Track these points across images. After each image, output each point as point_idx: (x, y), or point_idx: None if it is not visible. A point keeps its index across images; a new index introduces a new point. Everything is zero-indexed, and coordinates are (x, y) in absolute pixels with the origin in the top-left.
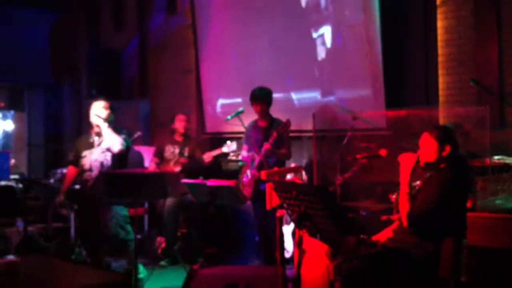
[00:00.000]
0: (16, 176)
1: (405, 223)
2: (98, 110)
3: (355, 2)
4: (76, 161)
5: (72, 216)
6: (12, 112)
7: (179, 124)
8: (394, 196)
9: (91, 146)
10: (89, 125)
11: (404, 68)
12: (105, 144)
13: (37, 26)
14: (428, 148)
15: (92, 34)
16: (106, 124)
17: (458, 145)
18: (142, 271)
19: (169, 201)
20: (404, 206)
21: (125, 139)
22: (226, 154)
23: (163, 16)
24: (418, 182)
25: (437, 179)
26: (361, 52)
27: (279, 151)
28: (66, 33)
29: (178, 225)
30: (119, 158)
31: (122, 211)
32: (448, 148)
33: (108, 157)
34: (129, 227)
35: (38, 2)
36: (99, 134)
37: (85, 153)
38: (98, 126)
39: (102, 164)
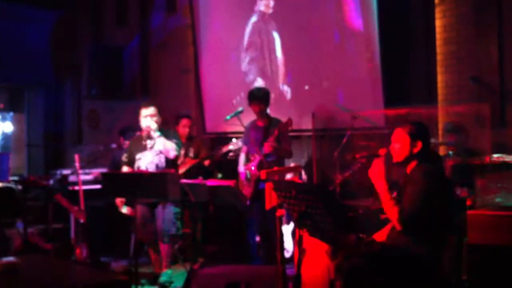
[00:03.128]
0: (16, 177)
1: (399, 228)
2: (147, 121)
3: (354, 0)
4: (130, 162)
5: (72, 216)
6: (11, 113)
7: (183, 130)
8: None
9: (144, 148)
10: (138, 129)
11: (403, 67)
12: (157, 147)
13: (38, 24)
14: (400, 143)
15: (93, 32)
16: (157, 133)
17: (430, 142)
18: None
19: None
20: (393, 213)
21: (176, 143)
22: (227, 153)
23: (163, 15)
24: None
25: (416, 176)
26: (359, 51)
27: (282, 147)
28: (67, 32)
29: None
30: (172, 161)
31: (175, 208)
32: (419, 144)
33: (162, 159)
34: (179, 224)
35: (39, 0)
36: (150, 137)
37: (139, 155)
38: (148, 130)
39: (157, 166)
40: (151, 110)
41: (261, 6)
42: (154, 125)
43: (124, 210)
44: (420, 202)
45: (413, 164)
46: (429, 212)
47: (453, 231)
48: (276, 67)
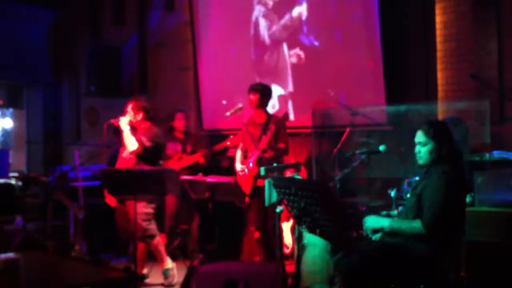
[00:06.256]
0: (15, 174)
1: (426, 233)
2: (127, 113)
3: None
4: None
5: (72, 213)
6: (11, 110)
7: (179, 122)
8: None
9: None
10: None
11: (403, 64)
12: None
13: (36, 22)
14: (424, 146)
15: (92, 30)
16: (127, 127)
17: (454, 140)
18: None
19: (170, 197)
20: (414, 228)
21: (140, 140)
22: (225, 150)
23: (161, 13)
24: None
25: (439, 178)
26: (361, 48)
27: (277, 146)
28: (66, 30)
29: (179, 222)
30: (139, 158)
31: (147, 207)
32: (445, 145)
33: (132, 156)
34: (149, 225)
35: None
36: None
37: (122, 149)
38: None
39: (126, 163)
40: (130, 104)
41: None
42: (122, 120)
43: (110, 201)
44: (440, 205)
45: (433, 164)
46: (446, 214)
47: (457, 229)
48: (278, 64)
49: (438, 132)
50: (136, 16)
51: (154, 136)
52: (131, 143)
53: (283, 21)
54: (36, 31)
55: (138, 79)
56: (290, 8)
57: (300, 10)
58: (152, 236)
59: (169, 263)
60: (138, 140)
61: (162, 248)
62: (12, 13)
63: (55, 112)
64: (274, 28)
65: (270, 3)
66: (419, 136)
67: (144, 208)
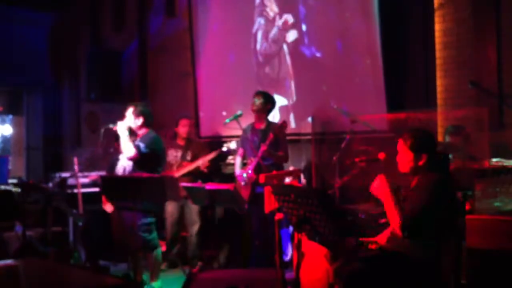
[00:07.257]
0: (15, 180)
1: (400, 234)
2: (126, 118)
3: (355, 6)
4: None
5: (71, 220)
6: (10, 116)
7: (183, 129)
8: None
9: None
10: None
11: (403, 71)
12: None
13: (36, 27)
14: (404, 157)
15: (92, 35)
16: (126, 133)
17: (436, 150)
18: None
19: (171, 204)
20: (395, 221)
21: (137, 146)
22: (225, 157)
23: (162, 18)
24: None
25: (423, 184)
26: (362, 57)
27: (276, 153)
28: (66, 34)
29: (181, 229)
30: (137, 165)
31: (144, 218)
32: (424, 157)
33: (130, 163)
34: (148, 235)
35: (37, 2)
36: (117, 137)
37: (121, 156)
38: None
39: (124, 169)
40: (130, 109)
41: (265, 11)
42: (120, 125)
43: (108, 208)
44: (423, 211)
45: (420, 173)
46: (432, 220)
47: (453, 236)
48: (280, 74)
49: (417, 144)
50: (136, 21)
51: (152, 142)
52: (128, 149)
53: (284, 33)
54: (37, 36)
55: (138, 84)
56: (291, 20)
57: (301, 21)
58: (153, 248)
59: (157, 285)
60: (136, 146)
61: (158, 265)
62: (13, 17)
63: (55, 117)
64: (275, 38)
65: (271, 14)
66: (399, 145)
67: (143, 219)
